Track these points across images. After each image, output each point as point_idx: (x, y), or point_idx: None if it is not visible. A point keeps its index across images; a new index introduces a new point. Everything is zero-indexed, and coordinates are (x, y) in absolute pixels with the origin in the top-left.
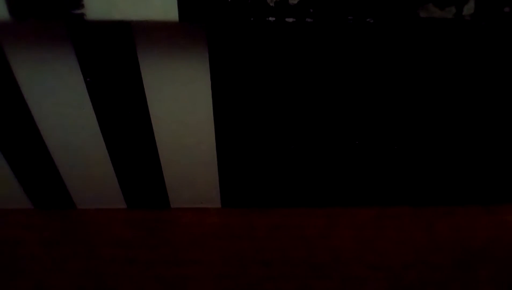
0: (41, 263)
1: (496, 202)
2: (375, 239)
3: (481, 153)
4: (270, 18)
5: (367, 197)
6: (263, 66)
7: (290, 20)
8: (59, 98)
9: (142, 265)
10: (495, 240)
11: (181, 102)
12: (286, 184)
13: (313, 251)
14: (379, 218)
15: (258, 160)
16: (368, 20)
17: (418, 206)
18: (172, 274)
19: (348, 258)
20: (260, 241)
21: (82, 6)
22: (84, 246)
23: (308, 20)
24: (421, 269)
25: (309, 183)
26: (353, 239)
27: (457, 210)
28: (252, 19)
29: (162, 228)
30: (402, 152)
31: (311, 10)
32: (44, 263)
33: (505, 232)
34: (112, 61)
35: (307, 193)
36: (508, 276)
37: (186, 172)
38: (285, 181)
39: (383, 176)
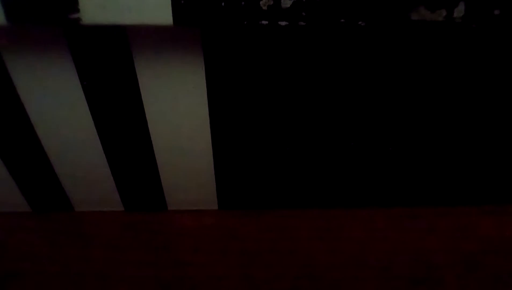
0: (40, 266)
1: (495, 203)
2: (372, 240)
3: (476, 154)
4: (263, 22)
5: (363, 198)
6: (258, 69)
7: (283, 23)
8: (56, 102)
9: (140, 267)
10: (494, 240)
11: (177, 105)
12: (282, 186)
13: (310, 251)
14: (376, 219)
15: (254, 162)
16: (360, 23)
17: (416, 207)
18: (170, 275)
19: (344, 258)
20: (256, 242)
21: (78, 10)
22: (83, 248)
23: (301, 23)
24: (420, 268)
25: (304, 184)
26: (349, 240)
27: (455, 210)
28: (245, 22)
29: (160, 230)
30: (397, 153)
31: (304, 14)
32: (43, 265)
33: (504, 232)
34: (108, 65)
35: (303, 194)
36: (508, 275)
37: (182, 175)
38: (281, 183)
39: (379, 177)
